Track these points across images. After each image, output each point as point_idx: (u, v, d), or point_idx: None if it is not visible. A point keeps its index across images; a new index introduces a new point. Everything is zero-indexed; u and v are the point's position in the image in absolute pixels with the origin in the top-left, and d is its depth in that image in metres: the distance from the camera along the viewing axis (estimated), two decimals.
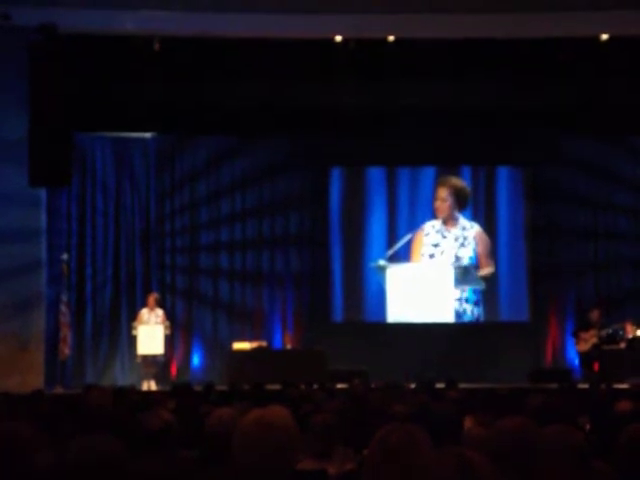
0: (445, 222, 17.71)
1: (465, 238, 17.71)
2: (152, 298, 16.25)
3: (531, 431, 3.53)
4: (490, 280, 17.64)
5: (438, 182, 17.78)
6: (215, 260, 17.89)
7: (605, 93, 15.71)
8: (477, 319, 17.64)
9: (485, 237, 17.74)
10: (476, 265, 17.61)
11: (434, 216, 17.72)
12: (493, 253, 17.80)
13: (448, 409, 5.45)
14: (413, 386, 11.33)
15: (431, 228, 17.74)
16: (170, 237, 17.83)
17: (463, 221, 17.76)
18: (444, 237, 17.69)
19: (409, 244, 17.61)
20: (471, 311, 17.60)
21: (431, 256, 17.69)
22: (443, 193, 17.71)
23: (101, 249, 17.28)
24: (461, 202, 17.76)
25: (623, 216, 18.07)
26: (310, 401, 7.92)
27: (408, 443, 2.45)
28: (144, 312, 16.08)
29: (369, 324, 17.76)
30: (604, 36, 14.67)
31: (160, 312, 16.17)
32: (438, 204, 17.70)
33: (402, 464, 2.41)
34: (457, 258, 17.63)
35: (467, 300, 17.59)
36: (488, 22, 14.40)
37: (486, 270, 17.64)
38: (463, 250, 17.66)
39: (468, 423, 5.45)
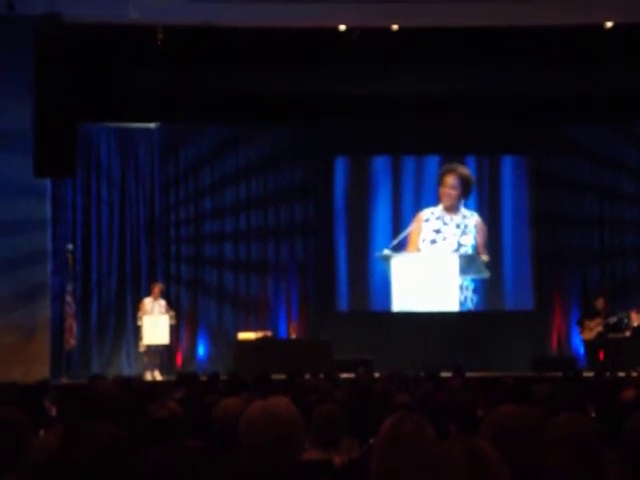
0: (447, 209, 17.68)
1: (466, 226, 17.69)
2: (157, 288, 16.24)
3: (540, 419, 3.52)
4: (494, 269, 17.63)
5: (446, 169, 17.73)
6: (220, 250, 17.87)
7: (609, 80, 15.69)
8: (476, 307, 17.64)
9: (484, 226, 17.74)
10: (477, 253, 17.61)
11: (437, 203, 17.69)
12: (487, 244, 17.79)
13: (459, 398, 5.44)
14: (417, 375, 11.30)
15: (430, 214, 17.72)
16: (175, 227, 17.81)
17: (464, 210, 17.74)
18: (445, 224, 17.66)
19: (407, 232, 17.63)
20: (470, 299, 17.60)
21: (432, 242, 17.67)
22: (452, 181, 17.68)
23: (106, 239, 17.28)
24: (466, 191, 17.75)
25: (628, 204, 18.02)
26: (315, 391, 7.92)
27: (418, 431, 2.46)
28: (147, 301, 16.06)
29: (374, 313, 17.75)
30: (608, 24, 14.63)
31: (163, 302, 16.16)
32: (447, 191, 17.67)
33: (413, 452, 2.42)
34: (459, 245, 17.62)
35: (467, 288, 17.60)
36: (491, 10, 14.39)
37: (485, 258, 17.63)
38: (465, 238, 17.65)
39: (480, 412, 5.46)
